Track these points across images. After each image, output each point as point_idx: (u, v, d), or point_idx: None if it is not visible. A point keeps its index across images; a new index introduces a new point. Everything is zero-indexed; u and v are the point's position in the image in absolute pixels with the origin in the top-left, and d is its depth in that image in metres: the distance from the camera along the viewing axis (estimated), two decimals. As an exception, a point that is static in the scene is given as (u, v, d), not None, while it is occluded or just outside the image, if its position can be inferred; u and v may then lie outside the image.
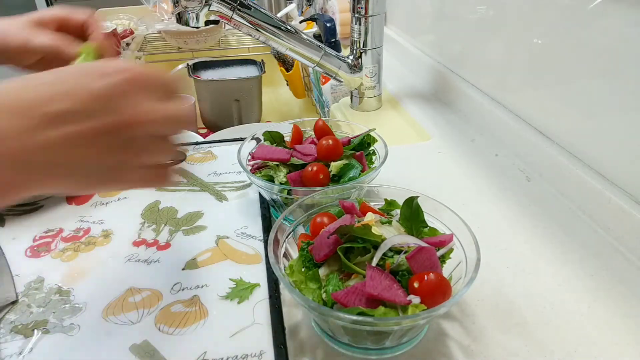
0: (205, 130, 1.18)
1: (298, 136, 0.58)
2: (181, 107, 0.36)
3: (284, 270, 0.41)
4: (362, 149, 0.56)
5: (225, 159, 0.70)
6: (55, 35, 0.50)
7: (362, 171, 0.53)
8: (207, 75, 1.14)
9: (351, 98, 0.88)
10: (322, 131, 0.57)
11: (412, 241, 0.40)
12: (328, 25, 0.89)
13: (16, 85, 0.31)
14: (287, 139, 0.60)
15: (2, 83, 0.31)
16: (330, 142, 0.54)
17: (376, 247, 0.39)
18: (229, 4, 0.68)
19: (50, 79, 0.32)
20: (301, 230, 0.46)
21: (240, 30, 0.72)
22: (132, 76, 0.33)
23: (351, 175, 0.52)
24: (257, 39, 0.73)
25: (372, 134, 0.57)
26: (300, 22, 1.13)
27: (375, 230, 0.40)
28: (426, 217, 0.44)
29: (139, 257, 0.51)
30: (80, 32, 0.52)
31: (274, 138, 0.59)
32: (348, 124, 0.71)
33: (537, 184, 0.62)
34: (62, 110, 0.30)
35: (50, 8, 0.53)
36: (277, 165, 0.54)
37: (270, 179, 0.53)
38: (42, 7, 2.68)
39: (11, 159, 0.29)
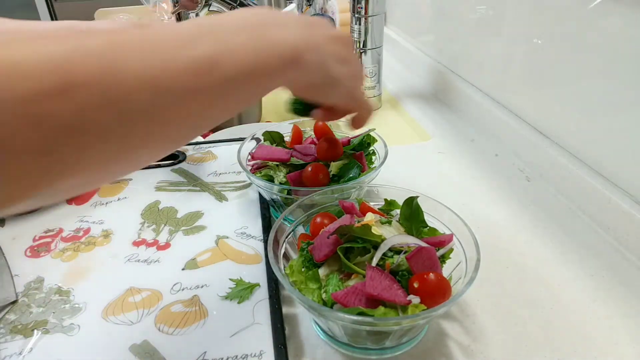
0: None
1: (298, 136, 0.58)
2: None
3: (284, 270, 0.41)
4: (362, 149, 0.56)
5: (225, 159, 0.70)
6: None
7: (362, 171, 0.53)
8: (207, 75, 1.14)
9: (351, 98, 0.88)
10: (322, 131, 0.57)
11: (412, 241, 0.40)
12: (328, 25, 0.89)
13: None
14: (287, 139, 0.60)
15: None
16: (330, 142, 0.54)
17: (376, 247, 0.39)
18: (229, 4, 0.68)
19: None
20: (301, 230, 0.46)
21: (240, 30, 0.72)
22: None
23: (351, 175, 0.52)
24: (257, 39, 0.73)
25: (371, 133, 0.57)
26: (300, 22, 1.12)
27: (375, 230, 0.40)
28: (426, 217, 0.44)
29: (139, 257, 0.51)
30: None
31: (274, 138, 0.59)
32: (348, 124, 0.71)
33: (537, 184, 0.62)
34: (331, 37, 0.39)
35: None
36: (277, 165, 0.54)
37: (270, 179, 0.53)
38: (42, 7, 2.68)
39: (297, 30, 0.36)
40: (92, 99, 0.24)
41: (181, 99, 0.28)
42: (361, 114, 0.47)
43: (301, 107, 0.49)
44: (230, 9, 0.69)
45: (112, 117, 0.25)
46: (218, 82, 0.30)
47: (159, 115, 0.27)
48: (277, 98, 1.32)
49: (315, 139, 0.57)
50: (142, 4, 1.42)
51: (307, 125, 0.65)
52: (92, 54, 0.24)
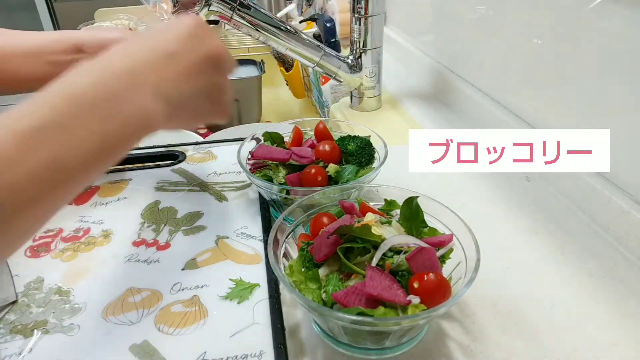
0: (205, 130, 1.18)
1: (298, 138, 0.58)
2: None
3: (284, 270, 0.41)
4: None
5: (225, 159, 0.70)
6: None
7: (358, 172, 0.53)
8: (207, 75, 1.14)
9: (351, 98, 0.88)
10: (322, 135, 0.57)
11: (412, 241, 0.40)
12: (328, 25, 0.89)
13: (129, 46, 0.39)
14: (287, 139, 0.60)
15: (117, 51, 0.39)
16: (327, 147, 0.54)
17: (376, 247, 0.39)
18: (229, 4, 0.68)
19: (150, 36, 0.41)
20: (301, 230, 0.45)
21: (240, 31, 0.72)
22: (199, 21, 0.42)
23: (347, 177, 0.52)
24: (257, 39, 0.73)
25: (370, 133, 0.58)
26: (300, 22, 1.13)
27: (375, 230, 0.40)
28: (426, 217, 0.44)
29: (139, 257, 0.51)
30: None
31: (274, 139, 0.59)
32: (348, 124, 0.71)
33: (537, 184, 0.62)
34: (173, 50, 0.39)
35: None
36: (277, 165, 0.54)
37: (270, 180, 0.53)
38: (42, 7, 2.68)
39: (152, 87, 0.36)
40: None
41: (22, 210, 0.28)
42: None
43: None
44: (230, 9, 0.69)
45: None
46: (62, 180, 0.30)
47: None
48: (278, 98, 1.32)
49: (315, 141, 0.57)
50: (142, 4, 1.42)
51: (307, 125, 0.65)
52: None
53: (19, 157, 0.28)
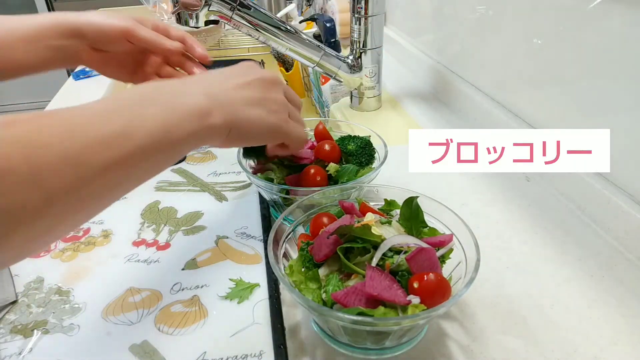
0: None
1: None
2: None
3: (284, 270, 0.41)
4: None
5: (224, 159, 0.70)
6: (155, 32, 0.57)
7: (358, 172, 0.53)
8: (207, 75, 1.14)
9: (351, 98, 0.88)
10: (322, 135, 0.57)
11: (412, 241, 0.40)
12: (328, 25, 0.89)
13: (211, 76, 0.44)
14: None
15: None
16: (327, 147, 0.54)
17: (376, 247, 0.39)
18: (229, 4, 0.68)
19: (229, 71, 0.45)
20: (301, 230, 0.45)
21: (240, 31, 0.72)
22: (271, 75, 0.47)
23: (347, 176, 0.52)
24: (257, 39, 0.73)
25: (370, 133, 0.57)
26: (300, 22, 1.13)
27: (375, 230, 0.40)
28: (426, 217, 0.44)
29: (139, 257, 0.51)
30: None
31: None
32: (348, 124, 0.71)
33: (537, 184, 0.62)
34: (226, 73, 0.44)
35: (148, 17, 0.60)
36: (278, 166, 0.54)
37: (271, 180, 0.53)
38: (42, 7, 2.68)
39: (202, 89, 0.40)
40: (19, 182, 0.26)
41: (100, 171, 0.30)
42: (291, 145, 0.49)
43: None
44: (230, 9, 0.69)
45: (39, 197, 0.27)
46: (131, 152, 0.32)
47: (81, 190, 0.29)
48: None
49: (315, 142, 0.57)
50: (142, 4, 1.42)
51: (307, 125, 0.64)
52: (16, 141, 0.26)
53: (95, 124, 0.31)
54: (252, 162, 0.56)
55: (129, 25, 0.55)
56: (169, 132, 0.34)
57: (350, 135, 0.57)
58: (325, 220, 0.43)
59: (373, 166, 0.55)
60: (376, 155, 0.57)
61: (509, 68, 0.70)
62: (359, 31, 0.79)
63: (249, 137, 0.44)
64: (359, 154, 0.54)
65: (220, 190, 0.62)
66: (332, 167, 0.53)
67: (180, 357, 0.40)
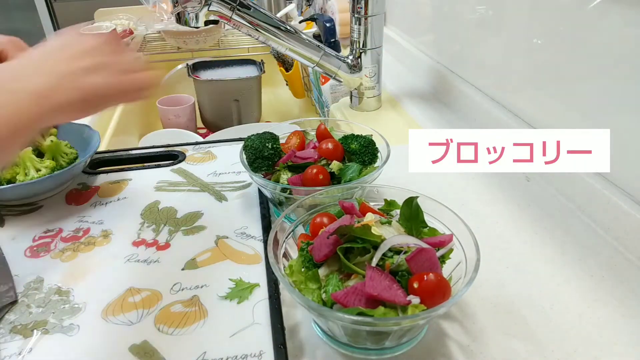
0: (204, 131, 1.19)
1: (302, 143, 0.58)
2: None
3: (284, 270, 0.41)
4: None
5: (224, 159, 0.70)
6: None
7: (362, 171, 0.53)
8: (207, 75, 1.14)
9: (351, 98, 0.88)
10: (324, 137, 0.57)
11: (412, 241, 0.40)
12: (327, 25, 0.89)
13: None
14: (283, 141, 0.59)
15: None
16: (330, 145, 0.54)
17: (376, 247, 0.39)
18: (229, 4, 0.68)
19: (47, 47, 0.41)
20: (301, 230, 0.45)
21: (239, 30, 0.72)
22: (105, 38, 0.44)
23: (350, 175, 0.52)
24: (257, 39, 0.73)
25: (372, 133, 0.57)
26: (300, 22, 1.13)
27: (375, 230, 0.40)
28: (426, 217, 0.44)
29: (139, 257, 0.51)
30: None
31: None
32: (348, 123, 0.71)
33: (537, 184, 0.62)
34: (79, 52, 0.41)
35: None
36: (283, 167, 0.54)
37: (276, 180, 0.53)
38: (42, 7, 2.68)
39: (63, 79, 0.38)
40: None
41: None
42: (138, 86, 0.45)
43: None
44: (230, 9, 0.69)
45: None
46: None
47: None
48: (277, 98, 1.32)
49: (316, 143, 0.58)
50: (142, 4, 1.42)
51: (307, 125, 0.65)
52: None
53: None
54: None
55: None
56: (17, 119, 0.34)
57: (354, 134, 0.57)
58: (325, 220, 0.43)
59: (376, 165, 0.55)
60: (378, 154, 0.57)
61: (509, 68, 0.70)
62: (359, 31, 0.79)
63: (99, 105, 0.42)
64: (362, 152, 0.54)
65: (220, 190, 0.62)
66: (335, 165, 0.53)
67: (180, 357, 0.40)
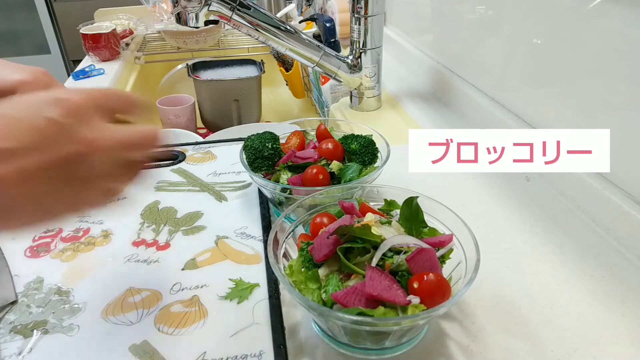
0: (204, 130, 1.19)
1: (302, 143, 0.58)
2: (144, 128, 0.34)
3: (284, 270, 0.41)
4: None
5: (224, 159, 0.70)
6: None
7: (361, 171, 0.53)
8: (207, 75, 1.14)
9: (351, 98, 0.88)
10: (324, 136, 0.57)
11: (412, 241, 0.40)
12: (327, 25, 0.89)
13: None
14: (283, 140, 0.59)
15: None
16: (330, 145, 0.54)
17: (376, 247, 0.39)
18: (229, 4, 0.68)
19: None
20: (301, 230, 0.45)
21: (239, 30, 0.72)
22: (82, 100, 0.31)
23: (350, 175, 0.52)
24: (257, 39, 0.73)
25: (372, 133, 0.57)
26: (300, 22, 1.13)
27: (375, 230, 0.40)
28: (426, 217, 0.44)
29: (139, 257, 0.51)
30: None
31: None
32: (348, 123, 0.71)
33: (537, 184, 0.62)
34: (5, 149, 0.27)
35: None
36: (284, 167, 0.54)
37: (276, 181, 0.53)
38: (42, 7, 2.68)
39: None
40: None
41: None
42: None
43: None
44: (230, 9, 0.69)
45: None
46: None
47: None
48: (277, 98, 1.32)
49: (316, 143, 0.58)
50: (142, 4, 1.42)
51: (307, 125, 0.65)
52: None
53: None
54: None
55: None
56: None
57: (354, 134, 0.57)
58: (325, 220, 0.43)
59: (376, 165, 0.55)
60: (378, 154, 0.57)
61: (509, 68, 0.70)
62: (359, 31, 0.79)
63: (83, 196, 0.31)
64: (362, 152, 0.55)
65: (220, 190, 0.62)
66: (335, 165, 0.53)
67: (180, 357, 0.40)
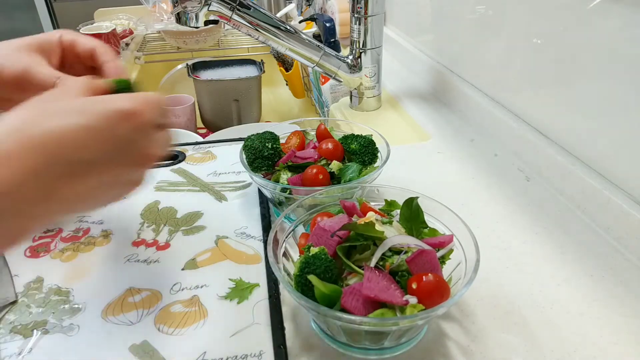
0: (204, 130, 1.19)
1: (302, 143, 0.58)
2: (171, 132, 0.39)
3: (284, 270, 0.41)
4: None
5: (224, 159, 0.70)
6: (59, 66, 0.44)
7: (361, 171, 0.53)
8: (207, 75, 1.14)
9: (350, 98, 0.88)
10: (324, 136, 0.57)
11: (412, 242, 0.40)
12: (327, 25, 0.89)
13: (42, 122, 0.31)
14: (283, 140, 0.59)
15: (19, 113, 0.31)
16: (330, 145, 0.54)
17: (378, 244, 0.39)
18: (229, 4, 0.68)
19: (75, 122, 0.31)
20: (301, 230, 0.45)
21: (239, 30, 0.72)
22: (148, 117, 0.35)
23: (350, 175, 0.52)
24: (257, 39, 0.73)
25: (372, 132, 0.57)
26: (300, 22, 1.13)
27: (378, 226, 0.40)
28: (426, 218, 0.44)
29: (139, 257, 0.51)
30: (87, 62, 0.45)
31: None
32: (348, 123, 0.71)
33: (537, 184, 0.62)
34: (85, 160, 0.31)
35: (54, 32, 0.44)
36: (284, 167, 0.54)
37: (276, 181, 0.53)
38: (42, 7, 2.68)
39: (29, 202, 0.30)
40: None
41: None
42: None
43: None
44: (230, 9, 0.69)
45: None
46: None
47: None
48: (277, 98, 1.32)
49: (316, 143, 0.58)
50: (142, 4, 1.42)
51: (307, 125, 0.65)
52: None
53: None
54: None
55: (20, 72, 0.40)
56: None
57: (354, 134, 0.57)
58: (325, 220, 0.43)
59: (376, 165, 0.55)
60: (378, 154, 0.57)
61: (509, 68, 0.70)
62: (359, 31, 0.79)
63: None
64: (362, 152, 0.55)
65: (220, 190, 0.62)
66: (335, 165, 0.53)
67: (180, 357, 0.40)
